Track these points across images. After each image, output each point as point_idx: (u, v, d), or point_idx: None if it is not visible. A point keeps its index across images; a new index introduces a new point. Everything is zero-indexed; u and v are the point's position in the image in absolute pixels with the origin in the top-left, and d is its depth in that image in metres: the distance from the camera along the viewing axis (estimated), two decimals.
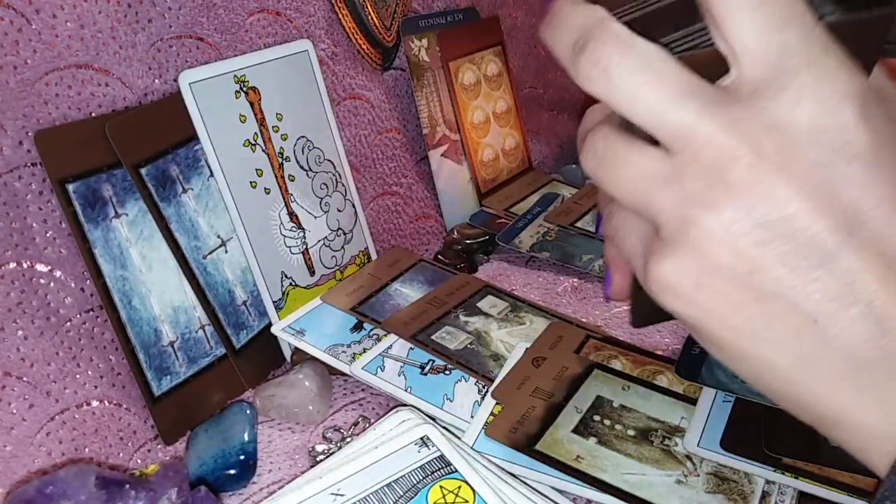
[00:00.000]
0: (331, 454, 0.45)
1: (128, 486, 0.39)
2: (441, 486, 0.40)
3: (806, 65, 0.22)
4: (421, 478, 0.40)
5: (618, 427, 0.45)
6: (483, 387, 0.49)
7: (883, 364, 0.22)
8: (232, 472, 0.44)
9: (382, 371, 0.50)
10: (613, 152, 0.24)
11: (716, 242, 0.23)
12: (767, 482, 0.41)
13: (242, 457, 0.44)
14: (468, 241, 0.72)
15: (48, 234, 0.44)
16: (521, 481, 0.42)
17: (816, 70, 0.22)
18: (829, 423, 0.24)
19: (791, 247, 0.22)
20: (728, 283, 0.23)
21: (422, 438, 0.42)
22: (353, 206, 0.63)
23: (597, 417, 0.46)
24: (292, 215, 0.57)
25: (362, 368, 0.50)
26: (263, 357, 0.55)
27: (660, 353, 0.54)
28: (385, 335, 0.54)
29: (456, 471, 0.40)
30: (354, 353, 0.52)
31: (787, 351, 0.23)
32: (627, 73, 0.22)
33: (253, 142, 0.54)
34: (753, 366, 0.24)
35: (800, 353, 0.23)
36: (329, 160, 0.61)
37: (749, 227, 0.22)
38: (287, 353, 0.56)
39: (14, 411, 0.41)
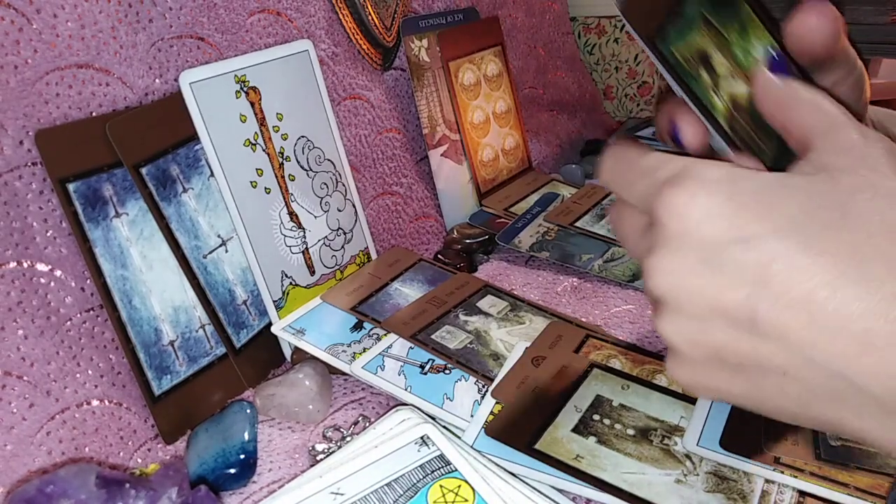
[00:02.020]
0: (331, 453, 0.45)
1: (128, 485, 0.39)
2: (441, 486, 0.40)
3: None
4: (421, 477, 0.40)
5: (617, 426, 0.45)
6: (483, 386, 0.49)
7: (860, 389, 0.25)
8: (232, 471, 0.44)
9: (382, 370, 0.50)
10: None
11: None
12: (767, 481, 0.41)
13: (242, 456, 0.44)
14: (468, 241, 0.72)
15: (48, 234, 0.44)
16: (521, 480, 0.42)
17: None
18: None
19: (726, 321, 0.27)
20: (718, 371, 0.29)
21: (422, 437, 0.42)
22: (354, 205, 0.63)
23: (596, 417, 0.46)
24: (292, 215, 0.57)
25: (362, 368, 0.50)
26: (263, 356, 0.56)
27: (659, 352, 0.54)
28: (385, 334, 0.54)
29: (456, 470, 0.40)
30: (354, 353, 0.52)
31: (784, 400, 0.27)
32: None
33: (253, 141, 0.54)
34: (770, 412, 0.29)
35: (795, 398, 0.27)
36: (329, 160, 0.61)
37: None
38: (287, 353, 0.56)
39: (14, 410, 0.41)
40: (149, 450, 0.47)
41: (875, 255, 0.24)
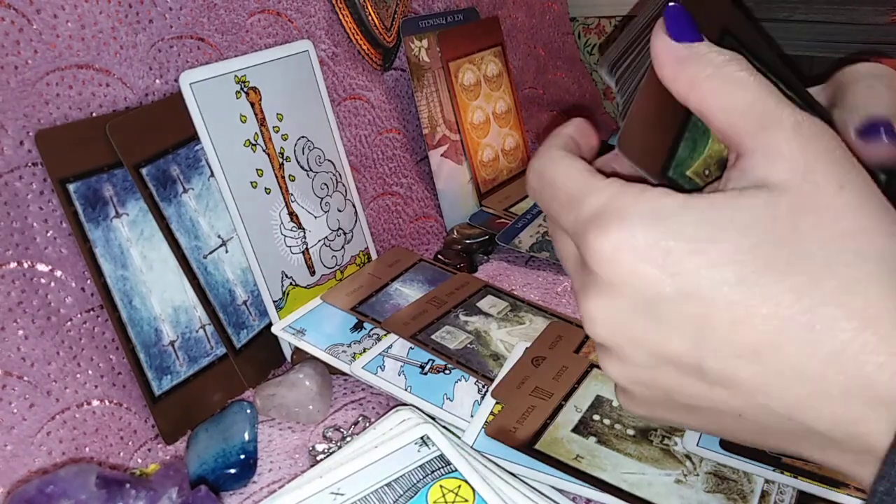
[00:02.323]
0: (331, 453, 0.45)
1: (128, 485, 0.39)
2: (441, 486, 0.40)
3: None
4: (421, 477, 0.40)
5: (617, 426, 0.45)
6: (483, 386, 0.49)
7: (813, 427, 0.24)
8: (232, 471, 0.44)
9: (382, 370, 0.50)
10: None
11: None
12: (767, 481, 0.41)
13: (243, 456, 0.45)
14: (468, 241, 0.72)
15: (49, 234, 0.44)
16: (521, 481, 0.42)
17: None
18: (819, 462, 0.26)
19: (674, 368, 0.25)
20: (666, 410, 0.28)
21: (422, 438, 0.42)
22: (354, 205, 0.63)
23: (596, 417, 0.46)
24: (293, 215, 0.57)
25: (362, 368, 0.50)
26: (264, 356, 0.56)
27: None
28: (385, 335, 0.54)
29: (456, 470, 0.40)
30: (354, 353, 0.52)
31: (743, 433, 0.26)
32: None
33: (253, 142, 0.54)
34: (730, 440, 0.28)
35: (754, 433, 0.26)
36: (329, 160, 0.61)
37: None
38: (287, 353, 0.56)
39: (14, 411, 0.41)
40: (149, 450, 0.47)
41: (822, 299, 0.22)
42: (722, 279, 0.23)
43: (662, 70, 0.25)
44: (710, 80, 0.25)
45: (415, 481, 0.40)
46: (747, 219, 0.23)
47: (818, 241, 0.23)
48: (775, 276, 0.23)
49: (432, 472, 0.40)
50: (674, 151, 0.26)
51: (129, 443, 0.46)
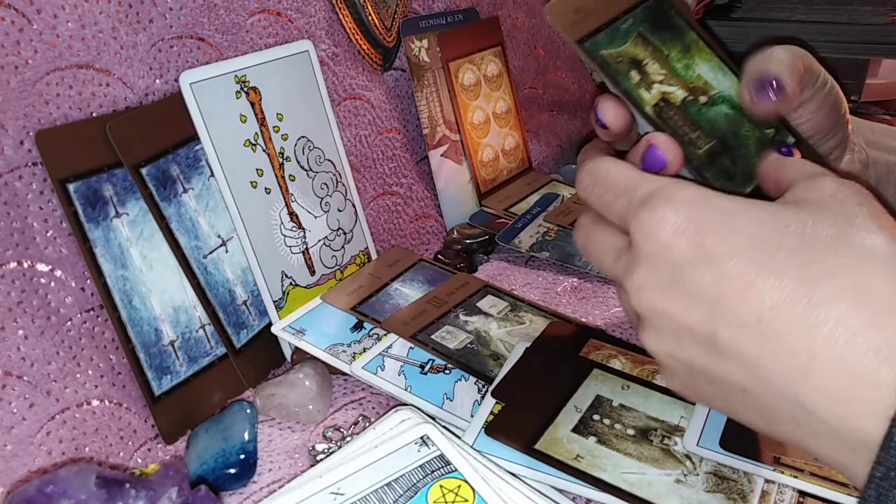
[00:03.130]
0: (331, 453, 0.45)
1: (128, 485, 0.39)
2: (441, 486, 0.40)
3: None
4: (421, 477, 0.40)
5: (617, 426, 0.45)
6: (483, 386, 0.49)
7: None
8: (232, 471, 0.44)
9: (382, 370, 0.50)
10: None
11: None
12: (767, 481, 0.41)
13: (243, 456, 0.45)
14: (468, 241, 0.72)
15: (49, 234, 0.44)
16: (521, 480, 0.42)
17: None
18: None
19: (692, 339, 0.28)
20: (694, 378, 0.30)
21: (422, 438, 0.42)
22: (354, 205, 0.63)
23: (596, 417, 0.46)
24: (293, 215, 0.57)
25: (362, 368, 0.50)
26: (264, 356, 0.56)
27: None
28: (385, 335, 0.54)
29: (456, 470, 0.40)
30: (354, 353, 0.52)
31: (752, 415, 0.28)
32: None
33: (253, 142, 0.54)
34: (745, 424, 0.29)
35: (759, 414, 0.27)
36: (329, 160, 0.61)
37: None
38: (287, 353, 0.56)
39: (14, 410, 0.41)
40: (149, 450, 0.47)
41: (823, 273, 0.25)
42: (740, 254, 0.26)
43: (768, 180, 0.33)
44: (789, 164, 0.33)
45: (415, 481, 0.40)
46: (774, 212, 0.27)
47: (831, 230, 0.26)
48: (786, 252, 0.25)
49: (432, 471, 0.40)
50: (595, 37, 0.35)
51: (129, 443, 0.46)
